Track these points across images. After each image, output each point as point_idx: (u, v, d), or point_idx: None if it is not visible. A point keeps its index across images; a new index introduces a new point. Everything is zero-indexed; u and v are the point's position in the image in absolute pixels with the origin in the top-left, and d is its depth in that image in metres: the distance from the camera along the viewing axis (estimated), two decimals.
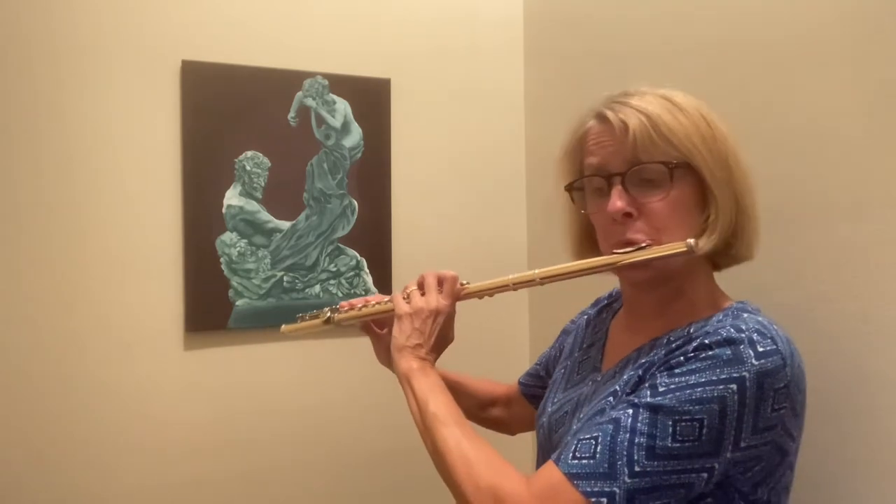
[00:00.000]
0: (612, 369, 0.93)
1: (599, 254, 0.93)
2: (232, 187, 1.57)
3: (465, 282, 1.01)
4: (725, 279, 0.93)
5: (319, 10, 1.65)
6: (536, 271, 0.94)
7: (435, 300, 0.98)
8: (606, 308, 1.10)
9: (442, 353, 1.02)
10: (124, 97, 1.49)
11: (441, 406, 0.89)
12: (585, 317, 1.13)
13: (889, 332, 0.93)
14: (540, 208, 1.82)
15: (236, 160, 1.57)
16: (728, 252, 0.88)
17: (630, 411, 0.76)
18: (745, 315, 0.82)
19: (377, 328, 1.15)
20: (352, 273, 1.68)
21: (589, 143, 0.89)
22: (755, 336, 0.76)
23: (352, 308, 1.12)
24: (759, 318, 0.81)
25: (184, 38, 1.53)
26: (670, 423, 0.74)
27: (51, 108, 1.44)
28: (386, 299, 1.08)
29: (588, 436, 0.77)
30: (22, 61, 1.42)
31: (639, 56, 1.42)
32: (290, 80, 1.61)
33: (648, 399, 0.76)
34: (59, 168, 1.44)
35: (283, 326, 1.20)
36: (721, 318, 0.83)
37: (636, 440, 0.74)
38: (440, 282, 1.01)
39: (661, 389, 0.76)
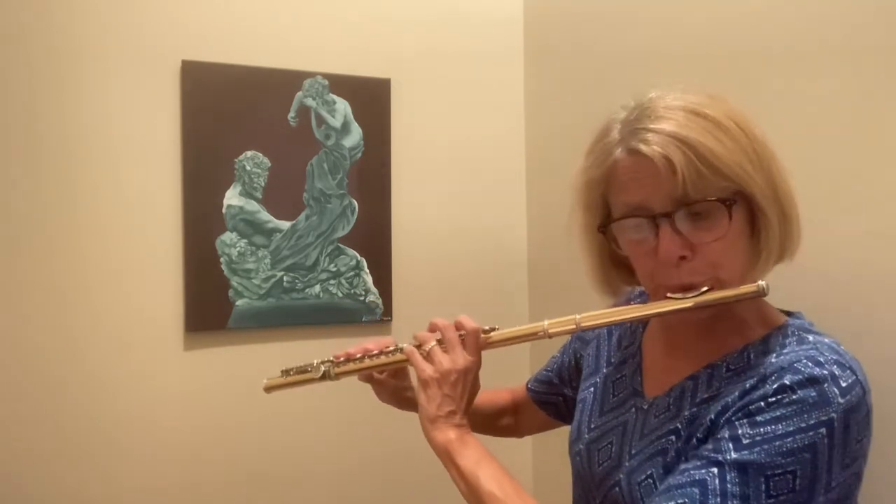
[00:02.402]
0: (661, 397, 0.85)
1: (632, 276, 0.87)
2: (232, 187, 1.57)
3: (487, 327, 0.92)
4: None
5: (319, 10, 1.65)
6: (577, 317, 0.85)
7: (462, 359, 0.88)
8: None
9: (471, 406, 0.92)
10: (124, 97, 1.49)
11: (494, 482, 0.81)
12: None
13: (890, 332, 0.93)
14: (540, 208, 1.82)
15: (236, 160, 1.57)
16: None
17: (715, 470, 0.69)
18: (811, 338, 0.75)
19: (376, 373, 1.05)
20: (352, 273, 1.68)
21: (621, 178, 0.78)
22: (836, 370, 0.70)
23: (349, 358, 1.01)
24: (827, 341, 0.75)
25: (184, 38, 1.53)
26: (762, 479, 0.68)
27: (51, 108, 1.44)
28: (391, 348, 0.99)
29: (673, 503, 0.70)
30: (22, 61, 1.41)
31: (639, 56, 1.42)
32: (290, 80, 1.61)
33: (734, 455, 0.69)
34: (59, 168, 1.44)
35: (265, 381, 1.09)
36: (782, 340, 0.77)
37: None
38: (461, 332, 0.90)
39: (745, 442, 0.69)
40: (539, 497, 0.80)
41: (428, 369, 0.89)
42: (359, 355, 1.01)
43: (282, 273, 1.62)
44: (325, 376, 1.02)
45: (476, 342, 0.90)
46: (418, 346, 0.93)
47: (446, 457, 0.86)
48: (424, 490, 1.71)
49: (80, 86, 1.46)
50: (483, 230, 1.82)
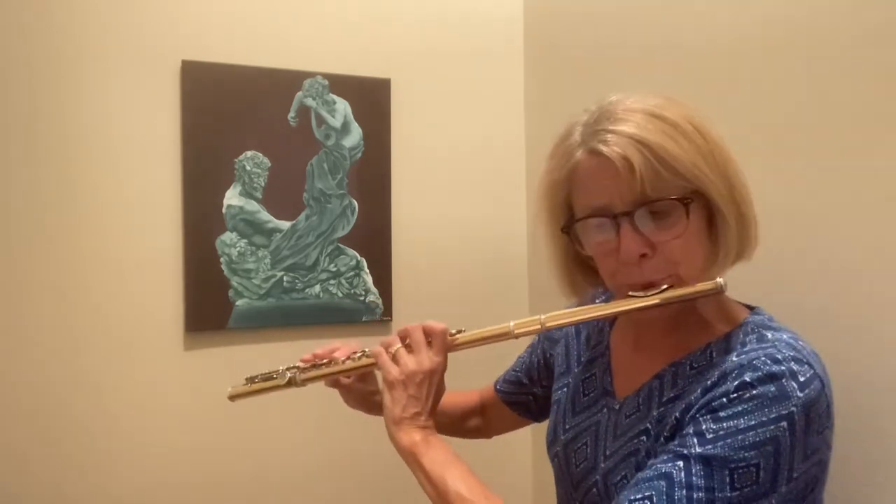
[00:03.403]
0: (631, 398, 0.87)
1: (597, 276, 0.89)
2: (232, 187, 1.57)
3: (454, 331, 0.92)
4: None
5: (319, 10, 1.65)
6: (542, 317, 0.87)
7: (427, 360, 0.89)
8: None
9: (436, 409, 0.93)
10: (124, 97, 1.49)
11: (461, 482, 0.81)
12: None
13: (888, 332, 0.93)
14: None
15: (236, 160, 1.57)
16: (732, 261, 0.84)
17: (680, 464, 0.72)
18: (770, 335, 0.78)
19: (343, 377, 1.06)
20: (352, 273, 1.68)
21: (582, 180, 0.81)
22: (794, 366, 0.73)
23: (316, 363, 1.02)
24: (785, 338, 0.77)
25: (184, 38, 1.53)
26: (726, 472, 0.70)
27: (51, 109, 1.44)
28: (358, 353, 1.00)
29: (640, 495, 0.73)
30: (22, 61, 1.41)
31: (639, 56, 1.42)
32: (290, 80, 1.61)
33: (698, 450, 0.72)
34: (59, 168, 1.44)
35: (229, 389, 1.05)
36: (743, 338, 0.80)
37: (694, 496, 0.70)
38: (428, 334, 0.92)
39: (709, 437, 0.72)
40: (539, 498, 0.80)
41: (393, 371, 0.90)
42: (325, 360, 1.01)
43: (282, 273, 1.62)
44: (290, 383, 1.02)
45: (442, 343, 0.91)
46: (385, 350, 0.94)
47: (411, 459, 0.87)
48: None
49: (80, 86, 1.46)
50: (483, 230, 1.82)
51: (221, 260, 1.56)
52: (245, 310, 1.58)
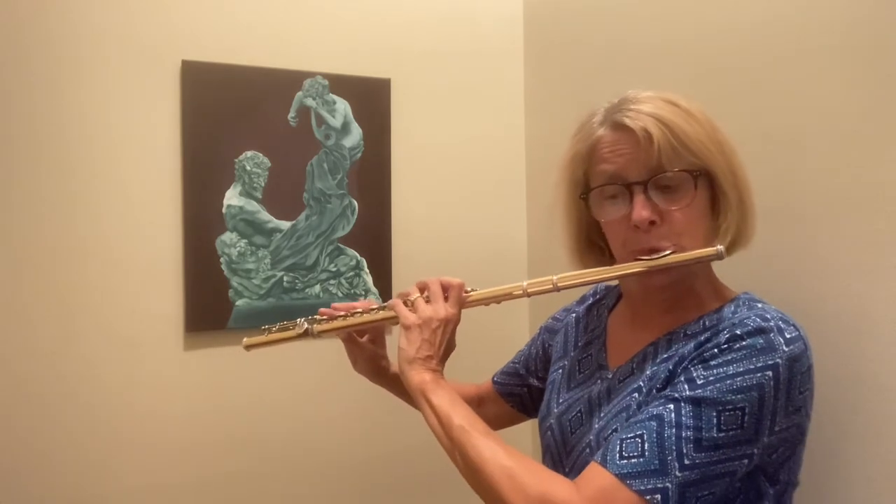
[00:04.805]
0: (624, 366, 0.93)
1: (603, 255, 0.96)
2: (232, 187, 1.57)
3: (469, 288, 0.99)
4: (725, 278, 0.93)
5: (319, 10, 1.65)
6: (554, 277, 0.92)
7: (443, 309, 0.96)
8: (596, 305, 1.09)
9: (446, 361, 0.98)
10: (124, 97, 1.49)
11: (466, 418, 0.87)
12: (574, 314, 1.12)
13: (887, 331, 0.93)
14: (540, 208, 1.82)
15: (236, 160, 1.57)
16: (731, 246, 0.90)
17: (671, 406, 0.77)
18: (760, 305, 0.85)
19: (358, 336, 1.12)
20: (352, 273, 1.68)
21: (602, 152, 0.89)
22: (781, 324, 0.79)
23: (334, 316, 1.07)
24: (773, 307, 0.84)
25: (184, 38, 1.53)
26: (714, 414, 0.75)
27: (51, 109, 1.44)
28: (375, 306, 1.05)
29: (632, 434, 0.78)
30: (22, 62, 1.41)
31: (639, 56, 1.42)
32: (290, 80, 1.61)
33: (688, 392, 0.77)
34: (59, 168, 1.44)
35: (244, 340, 1.10)
36: (734, 309, 0.86)
37: (683, 434, 0.75)
38: (445, 289, 0.98)
39: (699, 382, 0.77)
40: None
41: (411, 316, 0.96)
42: (343, 313, 1.06)
43: (282, 273, 1.62)
44: (306, 333, 1.04)
45: (458, 296, 0.97)
46: (404, 299, 1.01)
47: (420, 395, 0.92)
48: (428, 488, 1.71)
49: (80, 86, 1.46)
50: (483, 230, 1.82)
51: (221, 260, 1.56)
52: (245, 310, 1.58)
